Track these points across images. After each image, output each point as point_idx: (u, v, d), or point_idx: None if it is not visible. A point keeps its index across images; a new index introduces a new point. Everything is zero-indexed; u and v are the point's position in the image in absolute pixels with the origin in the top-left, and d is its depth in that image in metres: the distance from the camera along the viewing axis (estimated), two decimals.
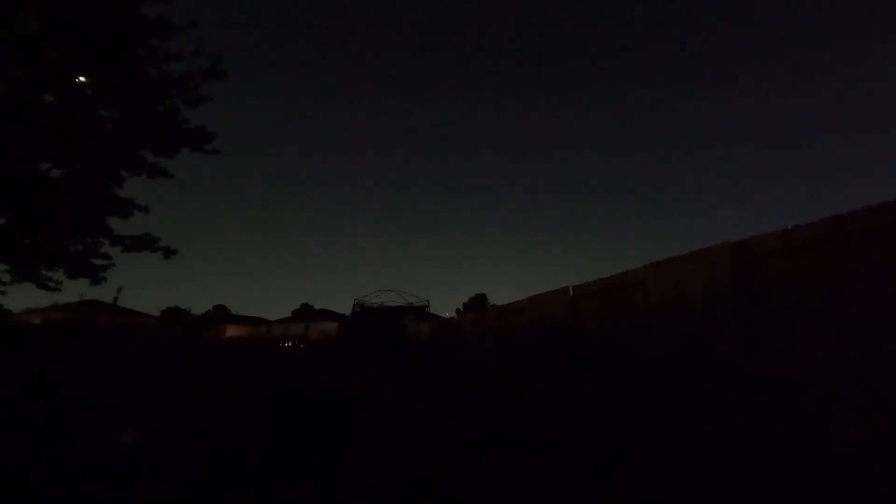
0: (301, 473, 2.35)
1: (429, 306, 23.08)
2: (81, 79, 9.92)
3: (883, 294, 4.20)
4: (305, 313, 56.32)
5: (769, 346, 5.26)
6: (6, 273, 11.08)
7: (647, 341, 7.18)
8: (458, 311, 52.61)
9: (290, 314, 58.30)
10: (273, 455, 2.68)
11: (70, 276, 11.78)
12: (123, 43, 9.80)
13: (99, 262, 11.96)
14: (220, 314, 55.90)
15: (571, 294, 9.63)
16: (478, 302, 56.10)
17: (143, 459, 2.60)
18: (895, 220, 4.21)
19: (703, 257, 6.29)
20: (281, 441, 3.01)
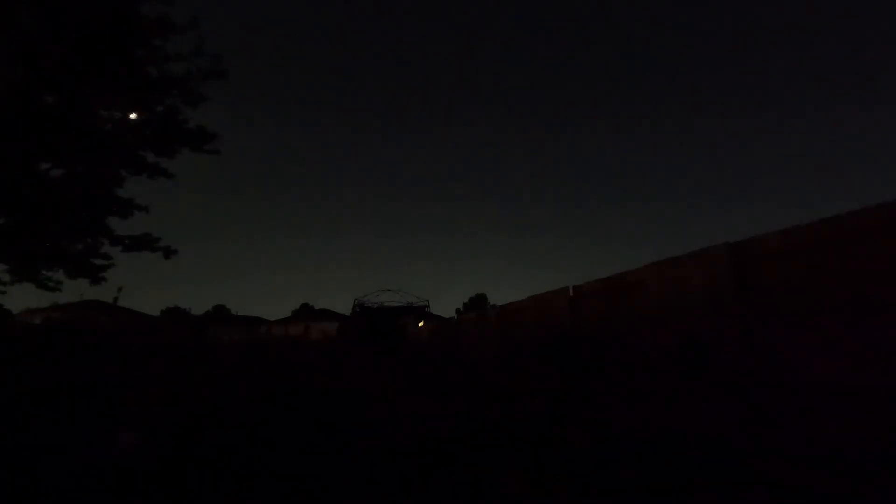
0: (302, 472, 2.35)
1: (429, 306, 23.06)
2: (132, 116, 10.14)
3: (883, 294, 4.20)
4: (305, 313, 56.28)
5: (769, 346, 5.27)
6: (6, 273, 11.07)
7: (647, 341, 7.18)
8: (458, 311, 52.62)
9: (290, 314, 58.26)
10: (273, 453, 2.68)
11: (70, 276, 11.77)
12: (123, 43, 9.81)
13: (99, 262, 11.96)
14: (220, 314, 55.90)
15: (572, 294, 9.63)
16: (478, 302, 56.15)
17: (144, 459, 2.60)
18: (895, 220, 4.21)
19: (703, 257, 6.29)
20: (281, 440, 3.02)
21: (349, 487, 2.16)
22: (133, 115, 10.40)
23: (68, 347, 12.61)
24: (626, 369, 6.90)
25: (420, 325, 23.47)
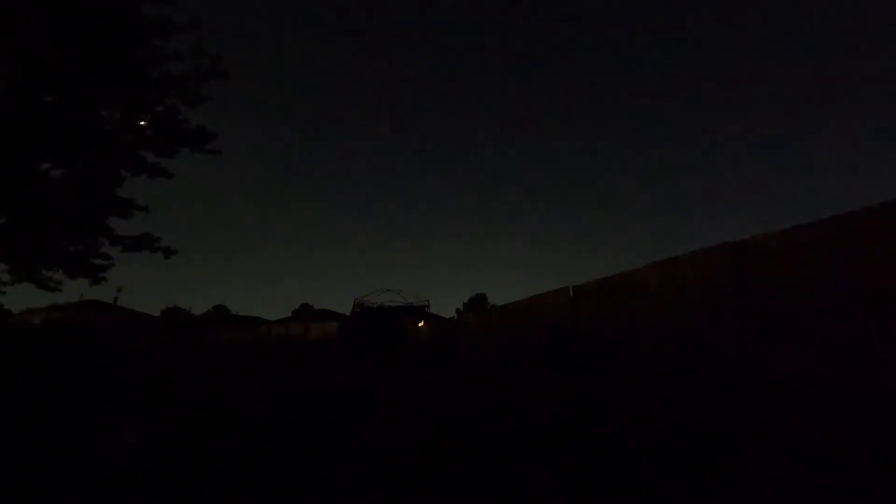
0: (304, 471, 2.35)
1: (429, 306, 23.02)
2: (142, 124, 10.22)
3: (884, 294, 4.20)
4: (305, 313, 56.25)
5: (769, 347, 5.26)
6: (6, 273, 11.06)
7: (647, 341, 7.18)
8: (458, 311, 52.57)
9: (290, 314, 58.20)
10: (274, 454, 2.68)
11: (70, 276, 11.75)
12: (123, 43, 9.79)
13: (99, 262, 11.92)
14: (220, 314, 55.83)
15: (571, 294, 9.63)
16: (478, 302, 56.10)
17: (145, 459, 2.60)
18: (895, 219, 4.20)
19: (704, 257, 6.28)
20: (281, 441, 3.02)
21: (350, 489, 2.16)
22: (142, 123, 10.47)
23: (68, 347, 12.58)
24: (626, 369, 6.90)
25: (420, 325, 23.46)
